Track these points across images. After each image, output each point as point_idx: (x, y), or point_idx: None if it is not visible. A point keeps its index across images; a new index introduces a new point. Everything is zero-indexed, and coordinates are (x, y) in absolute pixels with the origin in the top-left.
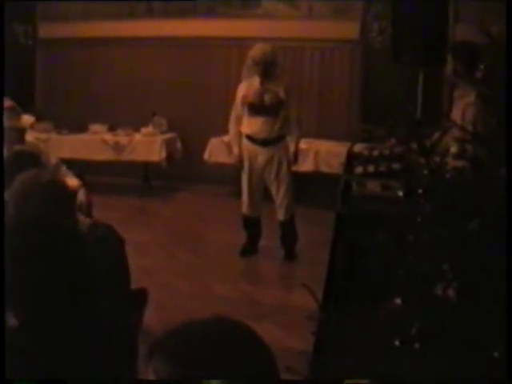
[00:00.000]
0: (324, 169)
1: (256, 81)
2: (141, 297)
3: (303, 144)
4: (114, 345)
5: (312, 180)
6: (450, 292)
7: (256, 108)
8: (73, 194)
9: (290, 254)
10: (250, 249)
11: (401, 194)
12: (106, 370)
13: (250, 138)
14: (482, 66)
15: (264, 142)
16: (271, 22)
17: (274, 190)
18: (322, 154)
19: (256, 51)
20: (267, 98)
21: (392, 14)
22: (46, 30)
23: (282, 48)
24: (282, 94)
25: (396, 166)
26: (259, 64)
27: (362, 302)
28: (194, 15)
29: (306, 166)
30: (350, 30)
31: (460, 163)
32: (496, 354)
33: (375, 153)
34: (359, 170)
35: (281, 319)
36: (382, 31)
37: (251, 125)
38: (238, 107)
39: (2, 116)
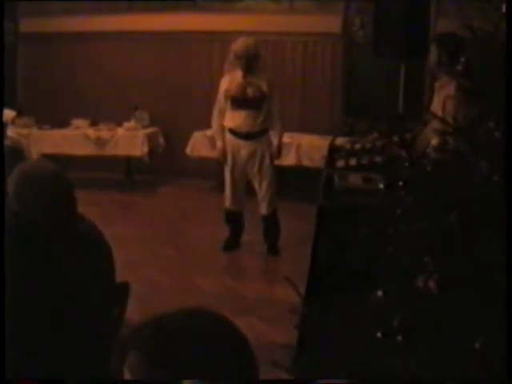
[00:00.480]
0: (306, 163)
1: (238, 74)
2: (123, 291)
3: (286, 138)
4: (97, 339)
5: (294, 174)
6: (431, 284)
7: (239, 101)
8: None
9: (273, 249)
10: (232, 243)
11: (382, 186)
12: (90, 366)
13: (232, 131)
14: (462, 59)
15: (247, 136)
16: (253, 17)
17: (256, 184)
18: (304, 147)
19: (238, 45)
20: (250, 92)
21: (374, 8)
22: (27, 25)
23: (264, 42)
24: (264, 87)
25: (378, 159)
26: (241, 58)
27: (344, 295)
28: (175, 10)
29: (288, 159)
30: (331, 24)
31: (441, 155)
32: (477, 345)
33: (357, 146)
34: (341, 163)
35: (264, 313)
36: (364, 25)
37: (234, 118)
38: (220, 101)
39: (1, 116)
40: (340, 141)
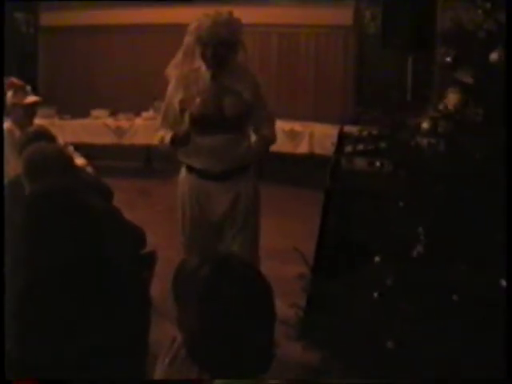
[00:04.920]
0: (319, 151)
1: (204, 75)
2: (151, 257)
3: (298, 126)
4: (128, 297)
5: (307, 162)
6: (419, 248)
7: (206, 122)
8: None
9: None
10: None
11: (383, 168)
12: (123, 324)
13: (196, 171)
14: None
15: (221, 176)
16: (267, 9)
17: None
18: (316, 136)
19: (203, 23)
20: (227, 105)
21: (382, 1)
22: (47, 19)
23: (277, 34)
24: (247, 94)
25: (383, 144)
26: (208, 44)
27: (347, 265)
28: (195, 2)
29: (301, 148)
30: (343, 16)
31: (432, 139)
32: (455, 297)
33: (364, 133)
34: (348, 148)
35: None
36: (375, 17)
37: (198, 150)
38: (170, 118)
39: (2, 116)
40: (349, 128)
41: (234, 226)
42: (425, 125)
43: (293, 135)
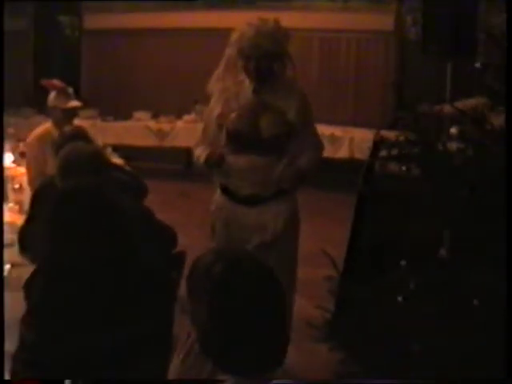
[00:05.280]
0: (359, 155)
1: (246, 89)
2: (181, 258)
3: (338, 131)
4: (155, 296)
5: (347, 167)
6: (443, 252)
7: (243, 140)
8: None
9: None
10: None
11: (410, 172)
12: (150, 317)
13: (228, 191)
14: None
15: (253, 200)
16: (309, 15)
17: None
18: (356, 141)
19: (245, 33)
20: (265, 124)
21: (424, 6)
22: (91, 22)
23: (318, 39)
24: (291, 114)
25: (416, 149)
26: (250, 57)
27: (375, 268)
28: (234, 7)
29: (341, 152)
30: (384, 21)
31: (460, 144)
32: (476, 302)
33: (401, 138)
34: (383, 153)
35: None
36: (416, 23)
37: (231, 169)
38: (210, 134)
39: (2, 115)
40: (386, 133)
41: (267, 256)
42: (453, 130)
43: (333, 140)
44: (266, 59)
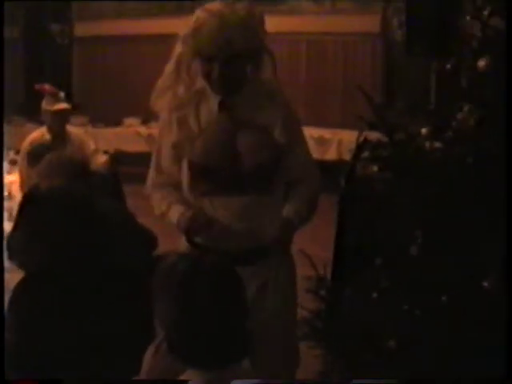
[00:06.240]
0: (347, 157)
1: (208, 102)
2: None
3: (327, 133)
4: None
5: (335, 168)
6: (414, 249)
7: (214, 178)
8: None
9: None
10: None
11: (375, 169)
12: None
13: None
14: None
15: (243, 258)
16: (295, 18)
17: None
18: (345, 142)
19: (205, 23)
20: (244, 149)
21: (407, 7)
22: (81, 29)
23: (306, 42)
24: (277, 131)
25: (397, 150)
26: (213, 59)
27: (353, 267)
28: None
29: (329, 154)
30: (371, 23)
31: (433, 143)
32: (444, 298)
33: (384, 139)
34: (365, 154)
35: None
36: (402, 25)
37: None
38: (165, 172)
39: (2, 117)
40: (369, 134)
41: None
42: (424, 130)
43: (321, 142)
44: (237, 61)
